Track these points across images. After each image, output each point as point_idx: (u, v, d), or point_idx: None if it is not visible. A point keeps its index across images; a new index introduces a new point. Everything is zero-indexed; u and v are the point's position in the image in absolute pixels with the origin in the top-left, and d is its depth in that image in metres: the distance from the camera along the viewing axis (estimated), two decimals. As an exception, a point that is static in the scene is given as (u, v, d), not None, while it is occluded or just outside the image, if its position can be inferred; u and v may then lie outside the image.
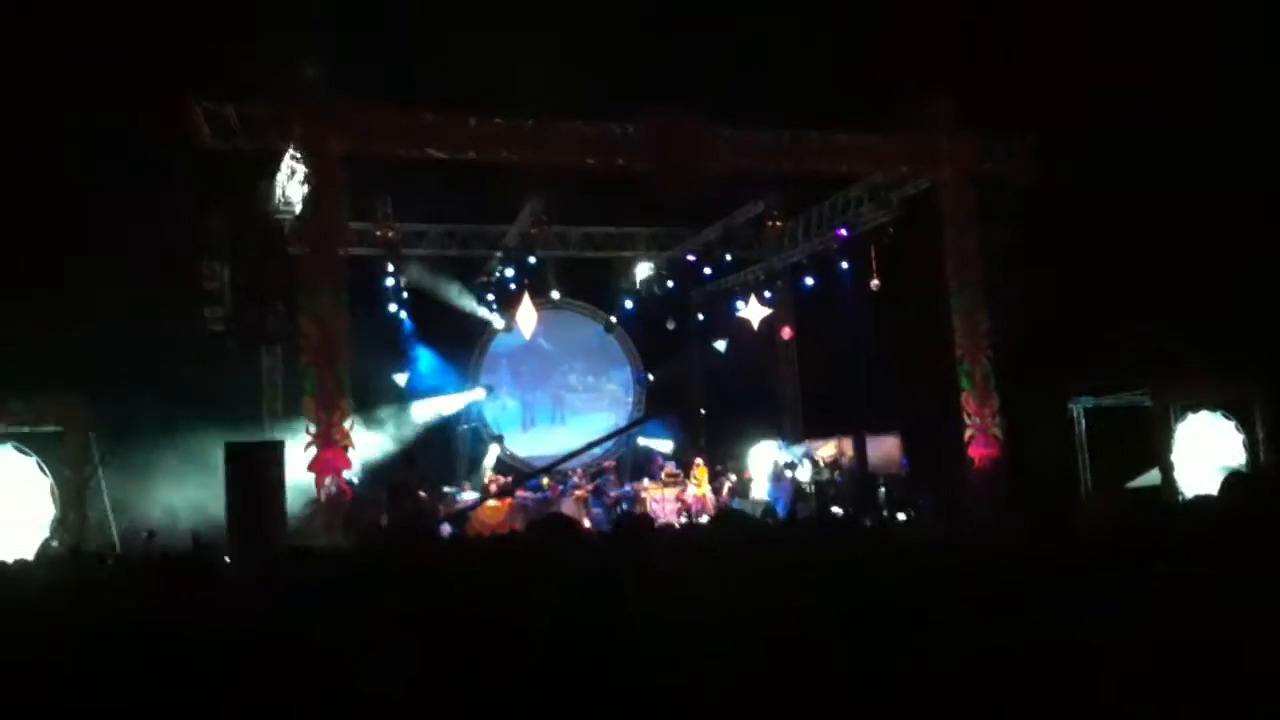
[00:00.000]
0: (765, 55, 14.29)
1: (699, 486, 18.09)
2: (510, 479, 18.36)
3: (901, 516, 15.54)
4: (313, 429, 13.21)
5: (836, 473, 18.20)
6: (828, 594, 3.29)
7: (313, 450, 13.16)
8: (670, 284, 19.99)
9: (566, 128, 14.53)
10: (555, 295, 20.11)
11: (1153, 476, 16.72)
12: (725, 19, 14.65)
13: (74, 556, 9.30)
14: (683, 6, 14.54)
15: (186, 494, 13.73)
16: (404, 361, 18.90)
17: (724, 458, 19.26)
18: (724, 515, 7.37)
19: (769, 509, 17.44)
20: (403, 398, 18.75)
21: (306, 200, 13.68)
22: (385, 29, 14.03)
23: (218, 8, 12.93)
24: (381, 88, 13.57)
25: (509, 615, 3.09)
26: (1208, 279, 14.74)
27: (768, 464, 19.15)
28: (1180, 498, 14.79)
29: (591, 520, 16.97)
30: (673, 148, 14.58)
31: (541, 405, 21.92)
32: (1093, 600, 3.27)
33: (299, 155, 13.55)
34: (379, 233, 17.03)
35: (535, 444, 21.29)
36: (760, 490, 18.68)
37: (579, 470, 18.97)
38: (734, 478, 18.80)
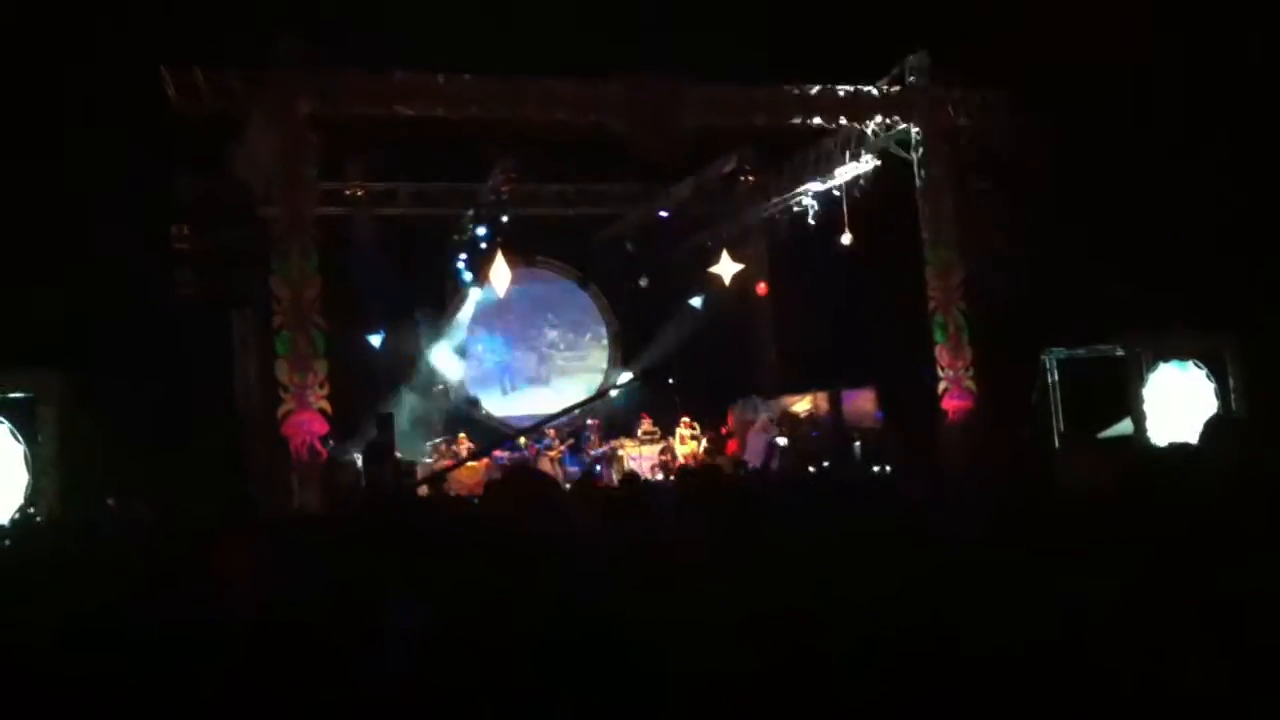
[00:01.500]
0: (739, 8, 14.16)
1: (685, 444, 18.12)
2: (484, 441, 18.31)
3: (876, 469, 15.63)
4: (287, 392, 13.18)
5: (813, 428, 18.24)
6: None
7: (288, 412, 13.14)
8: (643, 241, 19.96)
9: (537, 85, 14.42)
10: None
11: (1124, 426, 16.85)
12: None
13: (54, 526, 9.26)
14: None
15: (159, 460, 13.65)
16: (377, 323, 18.79)
17: (700, 415, 19.25)
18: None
19: (741, 463, 17.54)
20: (377, 359, 18.67)
21: (275, 162, 13.55)
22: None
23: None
24: (350, 48, 13.42)
25: (492, 578, 3.07)
26: (1179, 230, 14.78)
27: (749, 420, 19.17)
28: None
29: (567, 479, 16.98)
30: (645, 103, 14.50)
31: (523, 364, 21.90)
32: (1082, 563, 3.28)
33: (268, 116, 13.41)
34: (349, 192, 16.91)
35: (516, 404, 21.30)
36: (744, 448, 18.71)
37: (554, 430, 18.97)
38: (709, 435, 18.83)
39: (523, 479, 3.72)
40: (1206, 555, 2.91)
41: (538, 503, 3.28)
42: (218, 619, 3.17)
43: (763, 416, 18.74)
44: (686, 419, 18.52)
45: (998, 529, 3.63)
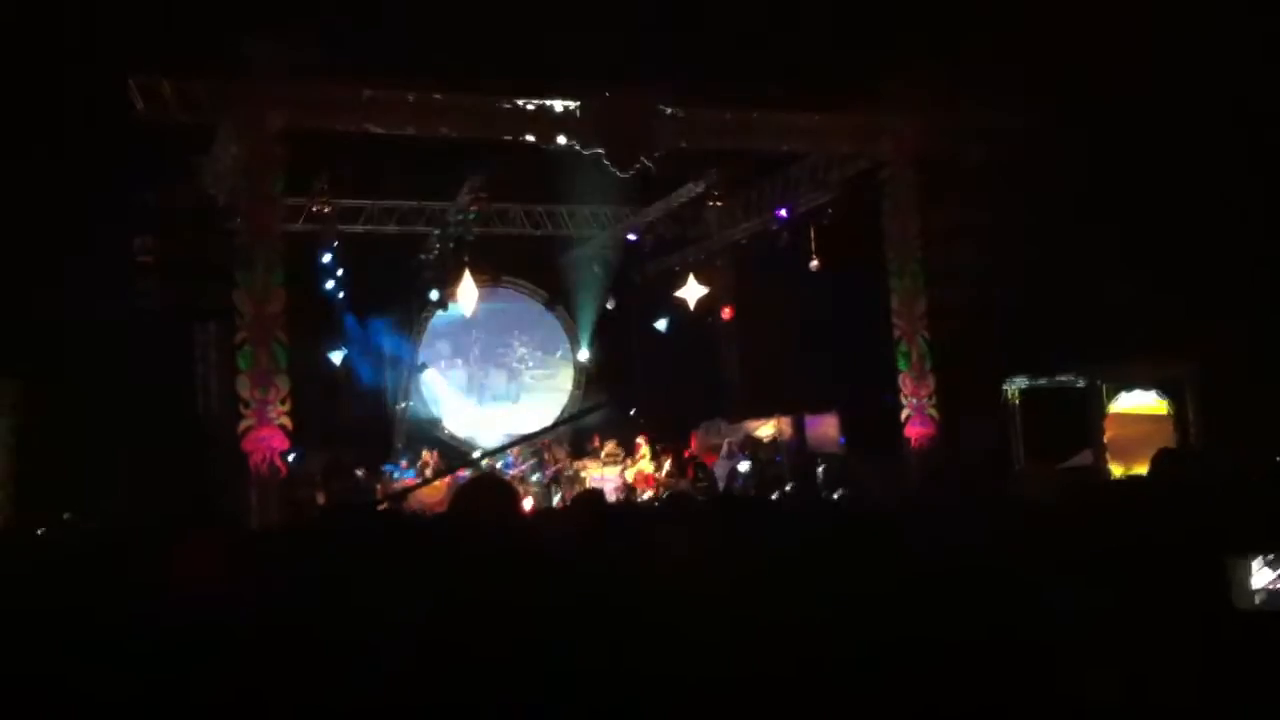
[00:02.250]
0: (709, 31, 14.22)
1: (643, 464, 18.11)
2: (447, 460, 18.25)
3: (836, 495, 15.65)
4: (248, 407, 13.09)
5: (776, 453, 18.27)
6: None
7: (249, 428, 13.05)
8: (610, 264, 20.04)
9: (506, 104, 14.43)
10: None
11: (1085, 457, 16.97)
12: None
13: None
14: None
15: (118, 473, 13.53)
16: (339, 339, 18.72)
17: (664, 438, 19.24)
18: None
19: (707, 476, 17.54)
20: (338, 375, 18.60)
21: (242, 175, 13.50)
22: (325, 5, 13.79)
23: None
24: (321, 64, 13.37)
25: (461, 592, 3.06)
26: (1146, 260, 14.91)
27: (713, 444, 19.18)
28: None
29: (531, 498, 16.96)
30: (615, 126, 14.54)
31: (492, 381, 21.85)
32: (1029, 578, 3.30)
33: (235, 130, 13.36)
34: (316, 209, 16.86)
35: (481, 422, 21.26)
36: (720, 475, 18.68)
37: (516, 450, 18.94)
38: (672, 458, 18.82)
39: (489, 485, 3.71)
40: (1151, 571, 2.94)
41: (501, 508, 3.28)
42: (177, 625, 3.14)
43: (725, 441, 18.77)
44: (641, 440, 18.50)
45: (957, 543, 3.65)
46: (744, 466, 17.99)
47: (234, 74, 12.97)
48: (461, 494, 3.42)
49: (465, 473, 17.86)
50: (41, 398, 13.82)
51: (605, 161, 14.71)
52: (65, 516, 12.77)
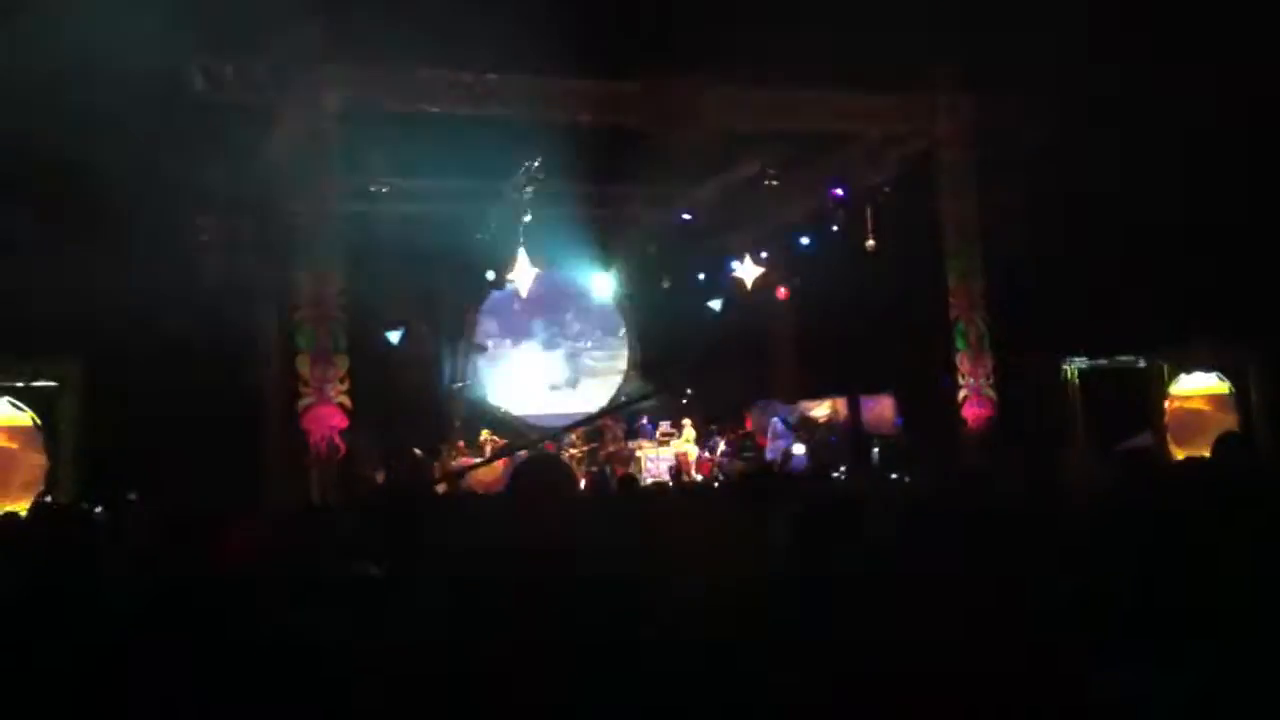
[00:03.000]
0: (764, 13, 14.10)
1: (687, 445, 18.16)
2: (506, 440, 18.36)
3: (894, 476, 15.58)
4: (307, 386, 13.24)
5: (830, 434, 18.23)
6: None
7: (308, 406, 13.21)
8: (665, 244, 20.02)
9: (562, 84, 14.45)
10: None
11: (1145, 438, 16.78)
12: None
13: (68, 512, 9.29)
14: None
15: (179, 453, 13.71)
16: (398, 320, 18.83)
17: (719, 419, 19.24)
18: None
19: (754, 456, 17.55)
20: (397, 355, 18.72)
21: (300, 155, 13.62)
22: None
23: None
24: (378, 45, 13.46)
25: (514, 577, 3.08)
26: (1209, 243, 14.69)
27: (768, 423, 19.17)
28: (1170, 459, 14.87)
29: (588, 479, 17.02)
30: (671, 106, 14.52)
31: (551, 364, 21.95)
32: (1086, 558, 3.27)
33: (293, 110, 13.48)
34: (373, 188, 16.95)
35: (542, 403, 21.37)
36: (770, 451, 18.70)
37: (576, 431, 19.04)
38: (727, 438, 18.82)
39: (546, 466, 3.73)
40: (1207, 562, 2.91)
41: (557, 492, 3.28)
42: (230, 604, 3.20)
43: (773, 420, 18.72)
44: (687, 420, 18.52)
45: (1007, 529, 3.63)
46: (798, 449, 17.97)
47: (292, 55, 13.08)
48: (520, 473, 3.43)
49: (524, 454, 18.00)
50: (104, 376, 14.04)
51: (659, 141, 14.70)
52: (130, 496, 12.99)
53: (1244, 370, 17.05)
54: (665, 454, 18.13)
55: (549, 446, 18.01)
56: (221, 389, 14.71)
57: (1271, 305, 14.83)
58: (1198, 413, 16.87)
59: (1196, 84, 13.97)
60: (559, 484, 3.37)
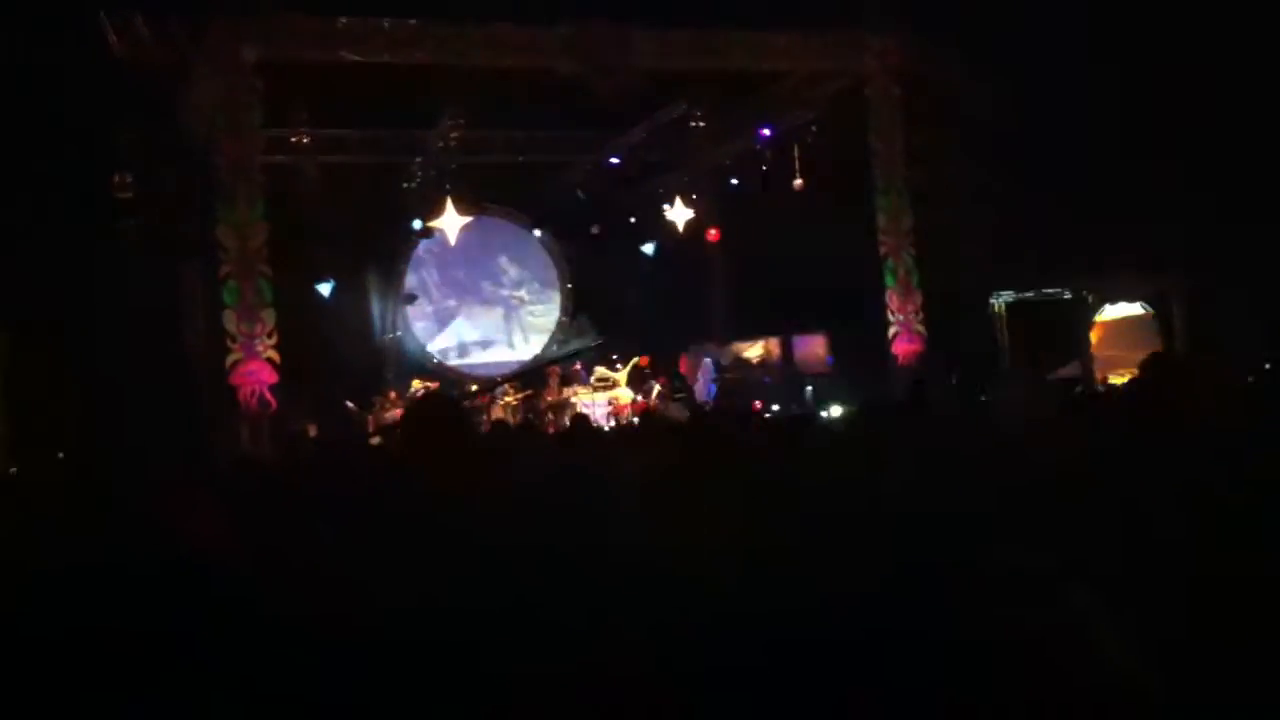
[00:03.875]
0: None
1: (619, 391, 18.19)
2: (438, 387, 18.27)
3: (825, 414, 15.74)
4: (234, 341, 13.09)
5: (764, 374, 18.37)
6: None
7: (236, 362, 13.07)
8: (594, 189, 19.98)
9: (484, 30, 14.28)
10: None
11: (1074, 368, 17.08)
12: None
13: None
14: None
15: (107, 412, 13.54)
16: (326, 272, 18.65)
17: (654, 362, 19.27)
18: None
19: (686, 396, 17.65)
20: (325, 308, 18.56)
21: (220, 110, 13.38)
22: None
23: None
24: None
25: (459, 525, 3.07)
26: (1131, 174, 14.90)
27: (701, 367, 19.28)
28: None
29: (524, 428, 17.02)
30: (594, 47, 14.40)
31: (483, 316, 21.88)
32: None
33: (211, 64, 13.22)
34: (295, 140, 16.71)
35: (475, 354, 21.36)
36: (700, 392, 18.80)
37: (495, 377, 19.10)
38: (662, 382, 18.87)
39: (435, 404, 3.66)
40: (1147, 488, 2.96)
41: (450, 433, 3.24)
42: (173, 567, 3.16)
43: (705, 360, 18.81)
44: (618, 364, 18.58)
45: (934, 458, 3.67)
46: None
47: (207, 7, 12.82)
48: (410, 415, 3.39)
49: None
50: (27, 339, 13.79)
51: (584, 84, 14.59)
52: (59, 456, 12.82)
53: (1166, 299, 17.37)
54: (600, 399, 18.14)
55: (483, 399, 17.99)
56: (149, 349, 14.50)
57: (1193, 234, 15.10)
58: (1123, 341, 17.18)
59: (1121, 17, 14.12)
60: (452, 421, 3.31)
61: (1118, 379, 15.26)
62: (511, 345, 21.98)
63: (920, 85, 15.53)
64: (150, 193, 14.68)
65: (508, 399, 17.87)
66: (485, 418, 17.30)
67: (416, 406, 3.69)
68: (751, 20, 15.07)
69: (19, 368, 13.88)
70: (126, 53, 12.77)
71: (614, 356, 18.73)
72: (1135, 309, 17.50)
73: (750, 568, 2.79)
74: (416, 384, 17.95)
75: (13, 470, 9.12)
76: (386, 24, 13.91)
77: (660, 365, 19.20)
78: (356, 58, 13.83)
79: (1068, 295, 17.38)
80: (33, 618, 2.84)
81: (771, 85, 17.14)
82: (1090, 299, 17.35)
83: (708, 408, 16.87)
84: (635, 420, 17.35)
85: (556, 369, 19.11)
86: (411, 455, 3.17)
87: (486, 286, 22.05)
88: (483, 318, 21.99)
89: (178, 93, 14.06)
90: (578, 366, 18.79)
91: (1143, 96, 14.61)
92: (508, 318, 22.16)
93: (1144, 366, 4.17)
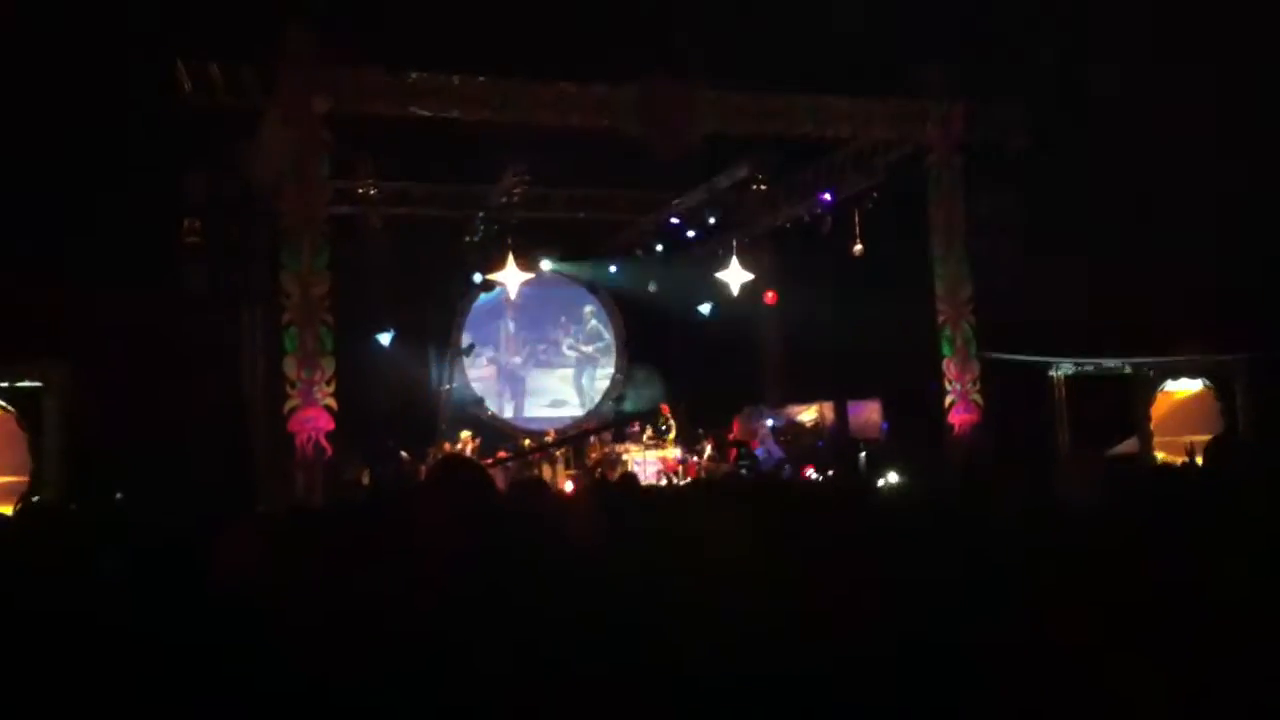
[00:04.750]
0: (752, 15, 14.14)
1: (668, 450, 18.15)
2: (481, 439, 18.31)
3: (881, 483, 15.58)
4: (293, 388, 13.22)
5: (818, 438, 18.26)
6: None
7: (294, 408, 13.18)
8: (657, 247, 20.08)
9: (551, 88, 14.44)
10: (544, 264, 20.20)
11: (1131, 444, 16.84)
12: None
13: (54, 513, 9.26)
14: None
15: (165, 454, 13.67)
16: (386, 322, 18.84)
17: (706, 423, 19.23)
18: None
19: (750, 461, 17.53)
20: (384, 358, 18.72)
21: (287, 159, 13.58)
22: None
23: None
24: (367, 46, 13.45)
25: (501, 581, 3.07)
26: (1192, 247, 14.75)
27: (755, 428, 19.21)
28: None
29: (573, 481, 17.03)
30: (659, 108, 14.52)
31: (532, 367, 21.96)
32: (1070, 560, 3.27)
33: (281, 114, 13.46)
34: (361, 191, 16.95)
35: (528, 405, 21.43)
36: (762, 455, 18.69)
37: (553, 431, 19.11)
38: (713, 442, 18.81)
39: (456, 468, 3.65)
40: (1207, 570, 2.91)
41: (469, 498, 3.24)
42: (225, 610, 3.18)
43: (758, 426, 18.72)
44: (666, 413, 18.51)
45: (997, 538, 3.63)
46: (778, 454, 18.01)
47: (280, 58, 13.07)
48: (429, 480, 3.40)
49: (506, 455, 18.03)
50: (90, 379, 14.00)
51: (647, 145, 14.71)
52: (118, 496, 12.95)
53: (1229, 378, 17.12)
54: (651, 458, 18.12)
55: (535, 455, 18.07)
56: (208, 391, 14.68)
57: (1258, 313, 14.90)
58: (1183, 418, 16.93)
59: (1185, 89, 14.04)
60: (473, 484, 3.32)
61: (1173, 457, 15.02)
62: (567, 402, 22.02)
63: (982, 155, 15.51)
64: (217, 239, 14.95)
65: (558, 454, 17.92)
66: (535, 473, 17.35)
67: (438, 467, 3.70)
68: (814, 85, 15.15)
69: (80, 406, 14.06)
70: (198, 100, 13.02)
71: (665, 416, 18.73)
72: (1196, 385, 17.24)
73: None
74: (465, 435, 18.01)
75: (73, 507, 9.22)
76: (457, 80, 14.11)
77: (713, 428, 19.13)
78: (426, 113, 14.03)
79: (1128, 369, 17.18)
80: (86, 658, 2.87)
81: (834, 151, 17.20)
82: (1151, 374, 17.13)
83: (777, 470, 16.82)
84: (685, 478, 17.32)
85: (609, 424, 19.18)
86: (429, 516, 3.19)
87: (542, 343, 22.14)
88: (537, 373, 22.06)
89: (247, 141, 14.33)
90: (635, 426, 18.81)
91: (1209, 171, 14.48)
92: (562, 374, 22.22)
93: (1209, 452, 4.11)
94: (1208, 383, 17.18)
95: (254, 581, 3.41)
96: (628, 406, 21.12)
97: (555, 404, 21.83)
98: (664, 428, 18.11)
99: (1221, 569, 3.07)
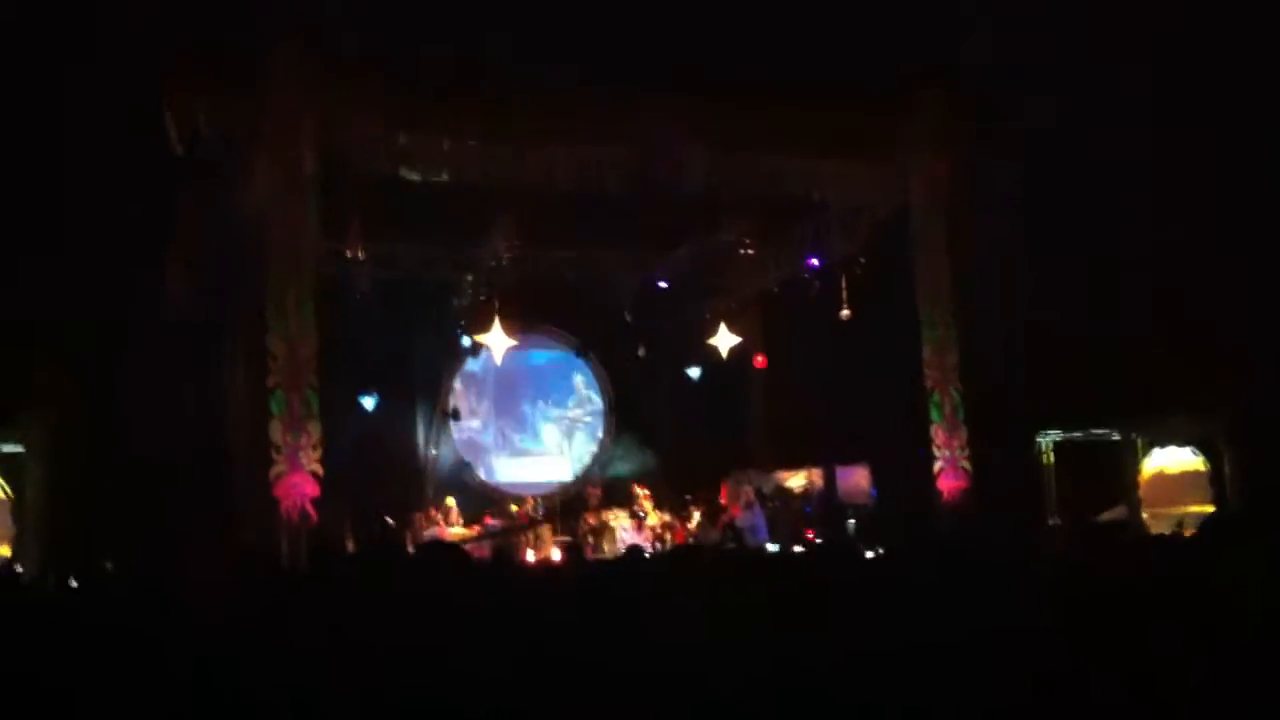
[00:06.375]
0: (739, 76, 14.18)
1: (649, 517, 17.98)
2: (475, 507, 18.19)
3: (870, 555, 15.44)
4: (279, 453, 13.07)
5: (806, 504, 18.15)
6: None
7: (280, 474, 13.03)
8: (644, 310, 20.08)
9: (540, 151, 14.45)
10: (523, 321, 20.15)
11: (1120, 511, 16.81)
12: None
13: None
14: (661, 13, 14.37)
15: (152, 521, 13.51)
16: (370, 385, 18.73)
17: (694, 487, 19.11)
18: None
19: (736, 535, 17.38)
20: (371, 419, 18.60)
21: (275, 219, 13.53)
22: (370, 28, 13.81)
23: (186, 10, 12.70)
24: (355, 109, 13.46)
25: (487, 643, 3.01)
26: (1179, 314, 14.80)
27: (740, 493, 19.10)
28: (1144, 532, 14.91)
29: (561, 549, 16.89)
30: (646, 168, 14.54)
31: (519, 431, 21.84)
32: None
33: (269, 172, 13.43)
34: (348, 253, 16.92)
35: (510, 470, 21.28)
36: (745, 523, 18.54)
37: (535, 497, 19.02)
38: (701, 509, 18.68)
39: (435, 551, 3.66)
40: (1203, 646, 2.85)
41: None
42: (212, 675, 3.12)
43: (744, 490, 18.60)
44: (644, 492, 18.36)
45: (993, 608, 3.57)
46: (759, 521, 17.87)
47: (270, 114, 13.06)
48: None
49: (493, 521, 17.89)
50: (71, 443, 13.86)
51: (636, 205, 14.74)
52: (107, 566, 12.76)
53: (1217, 443, 17.13)
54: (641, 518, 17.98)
55: (522, 516, 17.95)
56: (191, 456, 14.53)
57: (1244, 378, 14.91)
58: (1171, 484, 16.93)
59: (1169, 146, 14.13)
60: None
61: (1160, 527, 14.98)
62: (553, 466, 21.87)
63: (965, 217, 15.51)
64: (202, 294, 14.87)
65: (547, 523, 17.81)
66: (525, 538, 17.23)
67: (422, 552, 3.73)
68: (793, 148, 15.12)
69: (60, 472, 13.90)
70: (186, 152, 12.97)
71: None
72: (1185, 454, 17.25)
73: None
74: (449, 501, 17.88)
75: (72, 584, 9.07)
76: (446, 145, 14.15)
77: (700, 493, 19.01)
78: (415, 175, 14.05)
79: (1116, 436, 17.17)
80: None
81: (817, 214, 17.23)
82: (1139, 441, 17.13)
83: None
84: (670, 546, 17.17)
85: (598, 490, 19.06)
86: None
87: (529, 407, 22.04)
88: (524, 437, 21.93)
89: (235, 197, 14.25)
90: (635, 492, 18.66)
91: (1198, 229, 14.55)
92: (550, 439, 22.10)
93: (1204, 530, 4.05)
94: (1196, 451, 17.20)
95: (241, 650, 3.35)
96: (615, 472, 21.00)
97: (542, 468, 21.67)
98: (640, 514, 17.94)
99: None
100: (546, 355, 21.95)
